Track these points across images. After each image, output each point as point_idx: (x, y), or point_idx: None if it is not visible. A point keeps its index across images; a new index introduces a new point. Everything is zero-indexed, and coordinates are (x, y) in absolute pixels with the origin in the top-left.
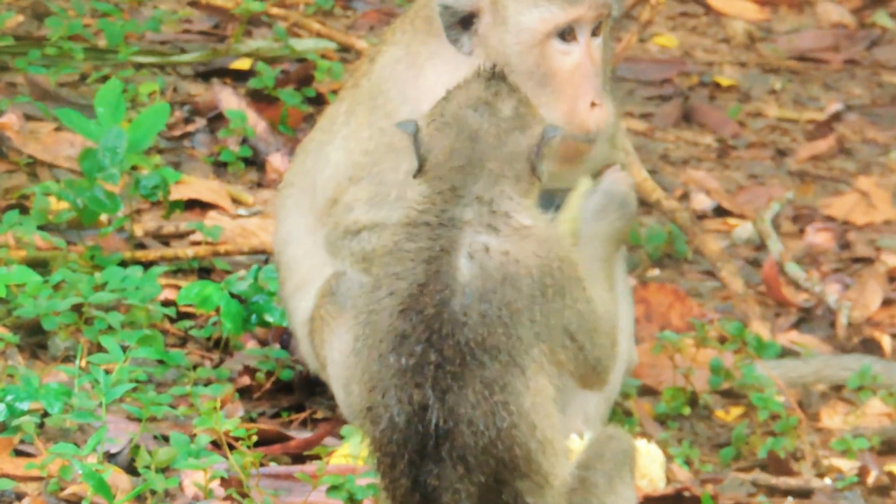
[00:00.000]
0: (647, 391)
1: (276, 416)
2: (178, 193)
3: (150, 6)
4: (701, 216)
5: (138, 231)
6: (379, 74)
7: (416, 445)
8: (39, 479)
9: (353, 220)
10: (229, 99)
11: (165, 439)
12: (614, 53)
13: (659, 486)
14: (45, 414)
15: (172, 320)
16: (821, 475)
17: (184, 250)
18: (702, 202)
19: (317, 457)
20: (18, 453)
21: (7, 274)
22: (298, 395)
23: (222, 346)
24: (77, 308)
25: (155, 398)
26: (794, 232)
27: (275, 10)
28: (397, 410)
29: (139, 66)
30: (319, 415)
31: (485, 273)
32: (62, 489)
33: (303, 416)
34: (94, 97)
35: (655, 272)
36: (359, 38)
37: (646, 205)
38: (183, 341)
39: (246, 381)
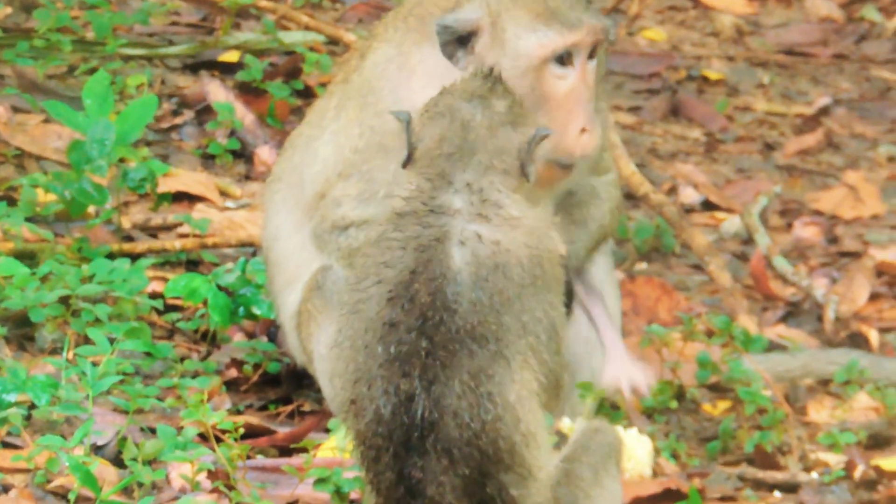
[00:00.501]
0: None
1: (263, 408)
2: (166, 186)
3: None
4: (688, 210)
5: (126, 223)
6: (370, 72)
7: (401, 438)
8: (26, 471)
9: (342, 215)
10: (217, 91)
11: (152, 431)
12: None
13: (645, 473)
14: (32, 406)
15: (160, 312)
16: (808, 469)
17: (171, 243)
18: (689, 196)
19: (304, 449)
20: (5, 445)
21: None
22: (286, 387)
23: (209, 339)
24: (64, 300)
25: (142, 390)
26: (781, 226)
27: (263, 3)
28: (383, 402)
29: (127, 59)
30: (306, 407)
31: (477, 260)
32: (49, 481)
33: (290, 408)
34: (82, 89)
35: (643, 266)
36: (347, 30)
37: (633, 199)
38: (170, 334)
39: (233, 373)
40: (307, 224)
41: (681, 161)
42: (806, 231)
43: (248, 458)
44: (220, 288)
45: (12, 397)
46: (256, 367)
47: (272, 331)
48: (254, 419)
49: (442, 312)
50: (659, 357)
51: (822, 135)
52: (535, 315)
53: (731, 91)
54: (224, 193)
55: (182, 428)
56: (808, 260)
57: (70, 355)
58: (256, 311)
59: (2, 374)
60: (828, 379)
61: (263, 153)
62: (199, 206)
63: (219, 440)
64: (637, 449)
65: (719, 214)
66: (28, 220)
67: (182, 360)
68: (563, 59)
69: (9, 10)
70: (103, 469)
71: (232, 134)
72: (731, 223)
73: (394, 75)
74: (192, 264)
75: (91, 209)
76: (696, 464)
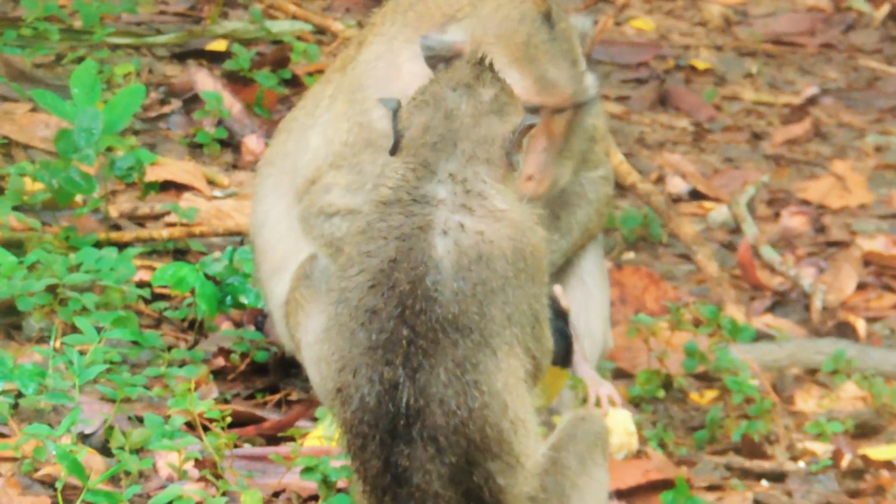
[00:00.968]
0: (622, 374)
1: (250, 397)
2: (154, 175)
3: None
4: (676, 199)
5: (113, 212)
6: (361, 68)
7: (386, 426)
8: (13, 459)
9: (329, 202)
10: (205, 80)
11: (139, 420)
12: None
13: (633, 445)
14: (20, 395)
15: (147, 301)
16: (795, 458)
17: (159, 231)
18: (677, 185)
19: (291, 438)
20: None
21: None
22: (273, 376)
23: (197, 328)
24: (52, 289)
25: (129, 379)
26: (769, 215)
27: None
28: (367, 389)
29: (115, 48)
30: (294, 396)
31: (459, 250)
32: (36, 470)
33: (277, 397)
34: (70, 78)
35: (630, 255)
36: (335, 20)
37: (621, 188)
38: (157, 322)
39: (220, 362)
40: (296, 207)
41: (668, 151)
42: (793, 221)
43: (236, 446)
44: (207, 277)
45: None
46: (244, 356)
47: (259, 320)
48: (241, 408)
49: (422, 301)
50: (646, 346)
51: (809, 124)
52: (520, 307)
53: (719, 81)
54: (211, 182)
55: (169, 417)
56: (795, 249)
57: (57, 344)
58: (244, 300)
59: None
60: (815, 368)
61: (251, 142)
62: (187, 195)
63: (206, 429)
64: (618, 424)
65: (707, 204)
66: (15, 208)
67: (169, 348)
68: (533, 109)
69: None
70: (90, 458)
71: (219, 123)
72: (719, 213)
73: (381, 74)
74: (180, 253)
75: (78, 198)
76: (684, 453)
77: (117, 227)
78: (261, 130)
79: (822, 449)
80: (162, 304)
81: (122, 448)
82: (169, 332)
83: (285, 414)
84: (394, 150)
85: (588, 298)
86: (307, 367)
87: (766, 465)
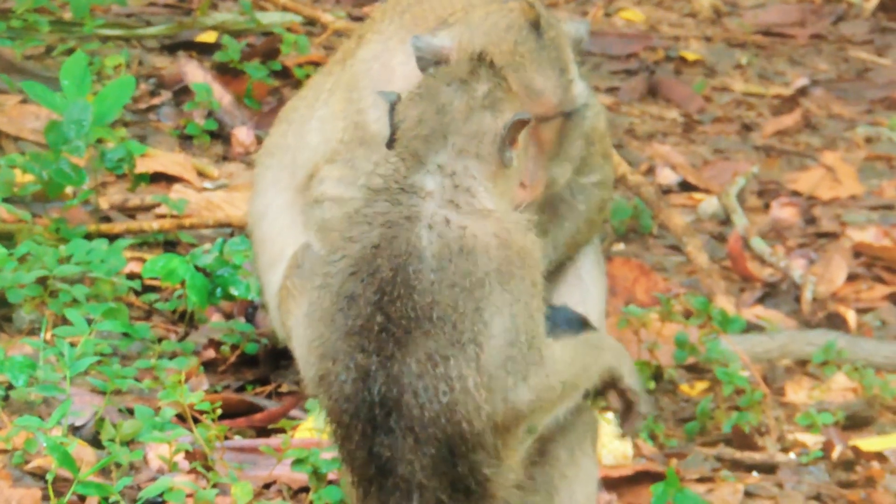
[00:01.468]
0: None
1: (240, 389)
2: (144, 166)
3: None
4: (666, 191)
5: (103, 204)
6: (358, 67)
7: (366, 415)
8: (4, 451)
9: (322, 191)
10: (195, 72)
11: (130, 412)
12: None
13: (627, 452)
14: (10, 386)
15: (137, 293)
16: (785, 450)
17: (149, 223)
18: (667, 177)
19: (281, 430)
20: None
21: None
22: (263, 368)
23: (187, 320)
24: (42, 281)
25: (120, 371)
26: (759, 207)
27: None
28: (345, 377)
29: (105, 39)
30: (284, 388)
31: (442, 241)
32: (27, 462)
33: (267, 389)
34: (60, 70)
35: (621, 247)
36: (325, 11)
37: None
38: (148, 314)
39: (211, 354)
40: (298, 204)
41: (658, 142)
42: (783, 212)
43: (226, 438)
44: (197, 269)
45: None
46: (234, 347)
47: (250, 311)
48: (231, 400)
49: (401, 289)
50: (636, 338)
51: (799, 115)
52: (502, 309)
53: (709, 72)
54: (201, 174)
55: (160, 408)
56: (785, 241)
57: (48, 336)
58: (234, 291)
59: None
60: (805, 359)
61: (241, 134)
62: (177, 186)
63: (196, 421)
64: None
65: (697, 195)
66: (5, 200)
67: (160, 340)
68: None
69: None
70: (81, 450)
71: (209, 114)
72: (709, 204)
73: (376, 75)
74: (170, 245)
75: (69, 190)
76: (674, 444)
77: (107, 219)
78: (251, 122)
79: (812, 440)
80: (152, 296)
81: (112, 440)
82: (159, 323)
83: (276, 405)
84: (390, 144)
85: (586, 296)
86: (297, 356)
87: (756, 456)
